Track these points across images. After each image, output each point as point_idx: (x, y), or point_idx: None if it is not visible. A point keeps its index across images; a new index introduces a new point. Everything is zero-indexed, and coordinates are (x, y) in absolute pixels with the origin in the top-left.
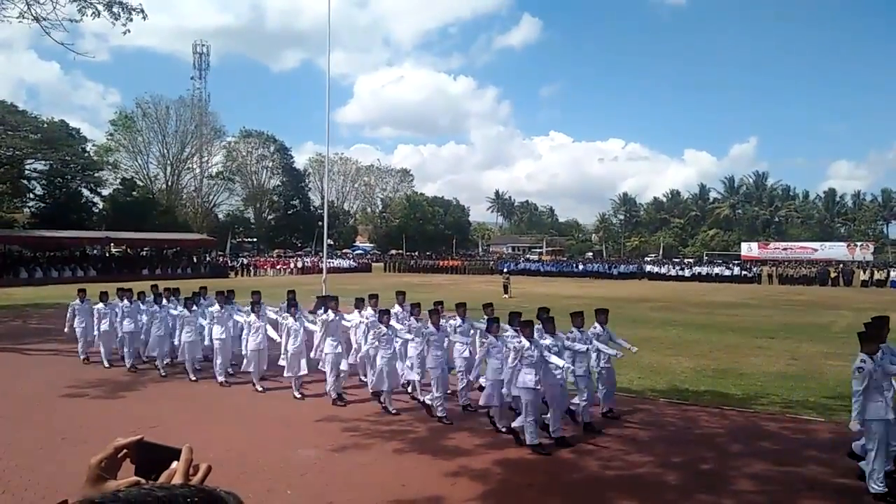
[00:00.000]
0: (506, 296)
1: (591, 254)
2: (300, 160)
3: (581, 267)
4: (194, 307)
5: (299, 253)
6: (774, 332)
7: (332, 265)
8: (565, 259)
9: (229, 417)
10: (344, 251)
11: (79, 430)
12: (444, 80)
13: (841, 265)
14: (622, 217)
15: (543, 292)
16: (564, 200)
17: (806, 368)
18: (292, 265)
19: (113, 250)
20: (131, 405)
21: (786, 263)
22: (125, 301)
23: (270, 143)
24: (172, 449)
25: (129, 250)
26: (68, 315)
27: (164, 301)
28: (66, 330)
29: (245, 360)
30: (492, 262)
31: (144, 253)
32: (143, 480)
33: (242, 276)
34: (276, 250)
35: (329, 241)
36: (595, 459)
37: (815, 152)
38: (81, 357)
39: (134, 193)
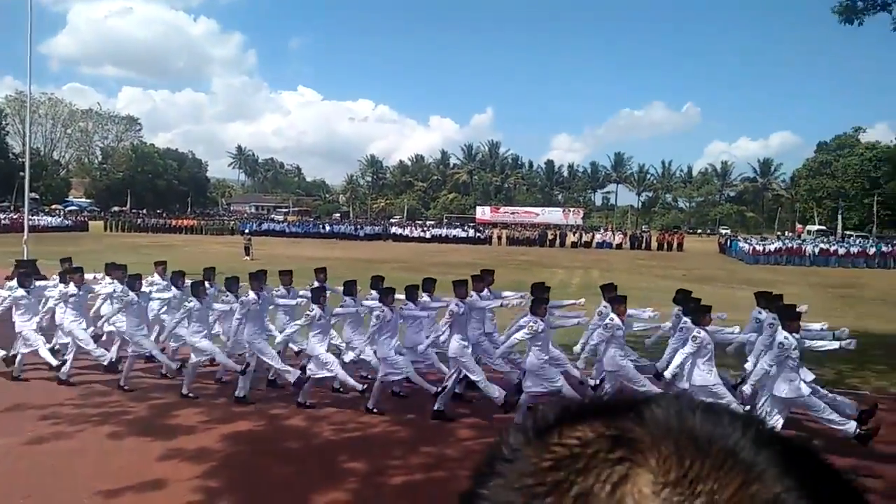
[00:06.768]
0: (247, 258)
1: (338, 215)
2: None
3: (328, 228)
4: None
5: None
6: (502, 290)
7: (36, 223)
8: (312, 220)
9: None
10: (53, 207)
11: None
12: (181, 18)
13: (557, 228)
14: (369, 179)
15: (288, 254)
16: (312, 159)
17: None
18: None
19: None
20: None
21: (513, 226)
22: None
23: None
24: None
25: None
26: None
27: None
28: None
29: None
30: (232, 223)
31: None
32: None
33: None
34: None
35: (34, 194)
36: (329, 424)
37: (541, 126)
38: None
39: None
